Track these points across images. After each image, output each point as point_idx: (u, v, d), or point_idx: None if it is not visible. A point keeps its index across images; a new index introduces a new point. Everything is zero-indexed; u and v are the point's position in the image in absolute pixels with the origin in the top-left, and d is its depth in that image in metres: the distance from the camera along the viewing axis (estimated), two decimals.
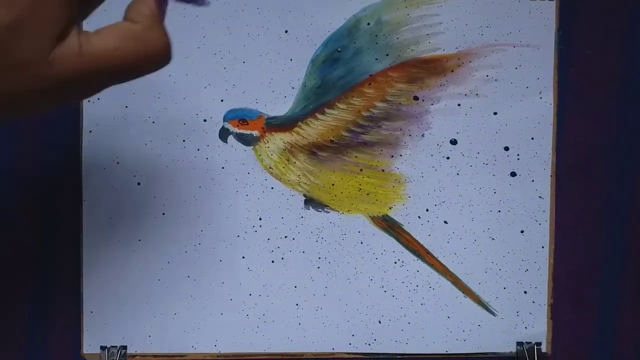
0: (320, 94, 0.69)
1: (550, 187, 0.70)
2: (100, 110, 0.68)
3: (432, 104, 0.69)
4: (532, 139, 0.69)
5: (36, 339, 0.70)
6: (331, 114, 0.69)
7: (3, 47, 0.37)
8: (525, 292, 0.70)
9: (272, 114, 0.69)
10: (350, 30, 0.69)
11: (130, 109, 0.68)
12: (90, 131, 0.68)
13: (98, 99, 0.68)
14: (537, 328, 0.70)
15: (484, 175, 0.70)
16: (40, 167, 0.69)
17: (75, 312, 0.69)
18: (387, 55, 0.69)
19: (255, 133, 0.69)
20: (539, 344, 0.70)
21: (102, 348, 0.69)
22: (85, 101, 0.68)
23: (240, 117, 0.69)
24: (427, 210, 0.70)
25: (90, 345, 0.69)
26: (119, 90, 0.68)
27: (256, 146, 0.69)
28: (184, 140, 0.69)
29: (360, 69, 0.69)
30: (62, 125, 0.69)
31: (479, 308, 0.70)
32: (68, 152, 0.69)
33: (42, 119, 0.69)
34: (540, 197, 0.70)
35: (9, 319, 0.70)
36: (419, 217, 0.70)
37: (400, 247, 0.70)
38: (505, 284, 0.70)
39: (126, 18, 0.45)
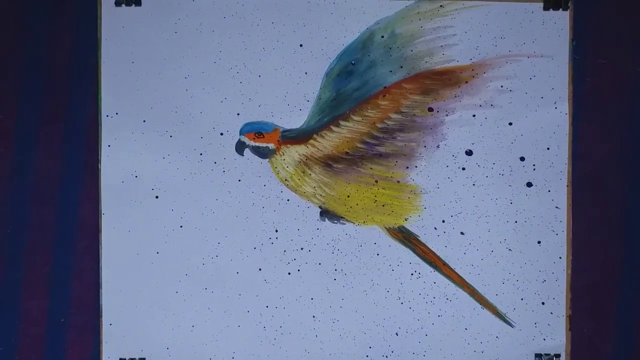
0: (335, 106, 0.69)
1: (567, 197, 0.69)
2: (119, 124, 0.69)
3: (446, 115, 0.69)
4: (548, 149, 0.69)
5: (55, 351, 0.70)
6: (346, 126, 0.69)
7: None
8: (543, 304, 0.69)
9: (288, 126, 0.70)
10: (364, 43, 0.69)
11: (148, 123, 0.69)
12: (109, 145, 0.69)
13: (117, 113, 0.69)
14: (555, 340, 0.69)
15: (500, 186, 0.70)
16: (60, 181, 0.70)
17: (94, 324, 0.70)
18: (401, 67, 0.69)
19: (271, 146, 0.69)
20: (557, 355, 0.69)
21: None
22: (104, 116, 0.69)
23: (256, 130, 0.69)
24: (444, 221, 0.70)
25: (109, 357, 0.69)
26: (137, 105, 0.69)
27: (272, 159, 0.70)
28: (201, 154, 0.69)
29: (374, 82, 0.69)
30: (81, 139, 0.70)
31: (497, 319, 0.70)
32: (87, 165, 0.70)
33: (62, 133, 0.70)
34: (557, 207, 0.69)
35: (28, 331, 0.70)
36: (435, 228, 0.70)
37: (416, 259, 0.70)
38: (522, 295, 0.69)
39: None
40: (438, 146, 0.69)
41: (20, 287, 0.70)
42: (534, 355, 0.70)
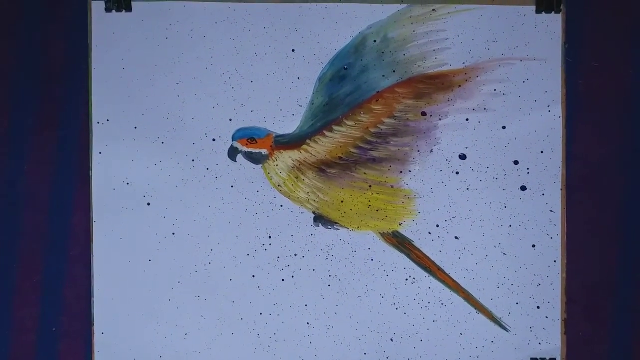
0: (328, 111, 0.69)
1: (561, 201, 0.69)
2: (110, 131, 0.68)
3: (440, 120, 0.69)
4: (542, 152, 0.69)
5: None
6: (339, 131, 0.69)
7: None
8: (538, 308, 0.69)
9: (281, 132, 0.69)
10: (356, 48, 0.69)
11: (139, 130, 0.69)
12: (100, 152, 0.69)
13: (108, 120, 0.68)
14: (551, 344, 0.69)
15: (494, 190, 0.69)
16: (51, 189, 0.70)
17: (86, 332, 0.69)
18: (394, 71, 0.69)
19: (264, 151, 0.69)
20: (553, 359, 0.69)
21: None
22: (95, 123, 0.68)
23: (248, 135, 0.69)
24: (438, 226, 0.70)
25: None
26: (129, 112, 0.69)
27: (265, 164, 0.69)
28: (193, 160, 0.69)
29: (367, 86, 0.69)
30: (72, 146, 0.69)
31: (492, 324, 0.69)
32: (78, 173, 0.69)
33: (53, 140, 0.69)
34: (551, 210, 0.69)
35: (19, 340, 0.70)
36: (430, 233, 0.70)
37: (411, 264, 0.70)
38: (517, 300, 0.69)
39: None
40: (432, 150, 0.69)
41: (12, 296, 0.70)
42: None
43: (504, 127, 0.69)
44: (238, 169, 0.69)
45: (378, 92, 0.69)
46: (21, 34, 0.70)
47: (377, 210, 0.70)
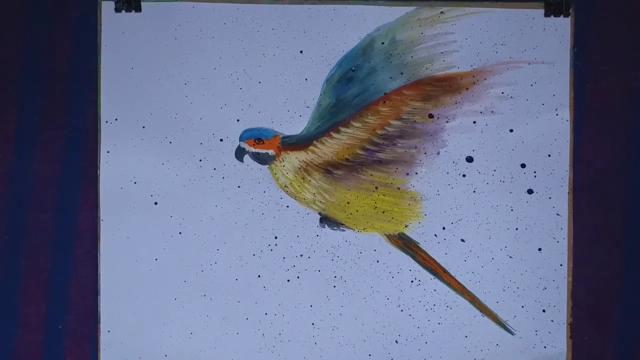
0: (335, 112, 0.69)
1: (568, 204, 0.69)
2: (118, 130, 0.69)
3: (447, 122, 0.69)
4: (549, 155, 0.69)
5: (53, 358, 0.70)
6: (346, 132, 0.69)
7: None
8: (544, 311, 0.69)
9: (288, 133, 0.69)
10: (364, 50, 0.69)
11: (147, 129, 0.69)
12: (108, 151, 0.69)
13: (116, 119, 0.69)
14: (556, 347, 0.69)
15: (501, 193, 0.69)
16: (58, 187, 0.70)
17: (92, 331, 0.69)
18: (402, 73, 0.69)
19: (271, 152, 0.69)
20: None
21: None
22: (103, 122, 0.69)
23: (256, 136, 0.69)
24: (444, 228, 0.69)
25: None
26: (137, 111, 0.69)
27: (272, 165, 0.70)
28: (200, 160, 0.69)
29: (374, 88, 0.69)
30: (80, 145, 0.70)
31: (497, 327, 0.69)
32: (86, 172, 0.70)
33: (61, 139, 0.70)
34: (557, 214, 0.69)
35: (26, 338, 0.70)
36: (436, 235, 0.69)
37: (416, 266, 0.70)
38: (523, 303, 0.69)
39: None
40: (438, 153, 0.69)
41: (18, 294, 0.70)
42: None
43: (511, 130, 0.69)
44: (245, 170, 0.69)
45: (385, 93, 0.69)
46: (30, 33, 0.70)
47: (383, 212, 0.70)
